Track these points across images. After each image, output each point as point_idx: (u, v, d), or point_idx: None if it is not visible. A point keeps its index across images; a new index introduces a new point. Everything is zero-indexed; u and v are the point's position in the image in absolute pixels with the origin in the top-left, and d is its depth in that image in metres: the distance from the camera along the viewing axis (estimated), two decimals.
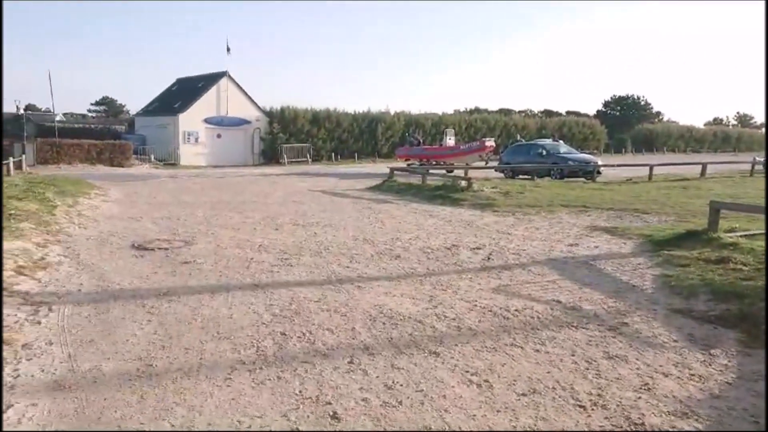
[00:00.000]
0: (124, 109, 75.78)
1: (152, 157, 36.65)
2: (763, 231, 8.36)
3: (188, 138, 37.89)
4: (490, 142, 30.83)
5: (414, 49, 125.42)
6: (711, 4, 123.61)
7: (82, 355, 4.34)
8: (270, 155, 40.81)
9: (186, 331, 4.90)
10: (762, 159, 31.25)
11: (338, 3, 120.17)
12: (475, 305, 5.73)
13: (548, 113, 74.64)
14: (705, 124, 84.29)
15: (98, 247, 8.46)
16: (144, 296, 5.95)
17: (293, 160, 40.05)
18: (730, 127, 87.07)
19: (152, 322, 5.12)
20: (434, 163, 29.95)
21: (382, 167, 29.17)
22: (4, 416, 3.38)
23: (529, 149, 26.62)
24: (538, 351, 4.57)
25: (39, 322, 5.03)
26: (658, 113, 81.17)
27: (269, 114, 42.03)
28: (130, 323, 5.10)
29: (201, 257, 7.83)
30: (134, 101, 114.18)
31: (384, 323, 5.17)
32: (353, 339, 4.78)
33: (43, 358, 4.26)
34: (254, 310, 5.50)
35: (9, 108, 35.10)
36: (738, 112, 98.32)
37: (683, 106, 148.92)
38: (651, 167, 22.59)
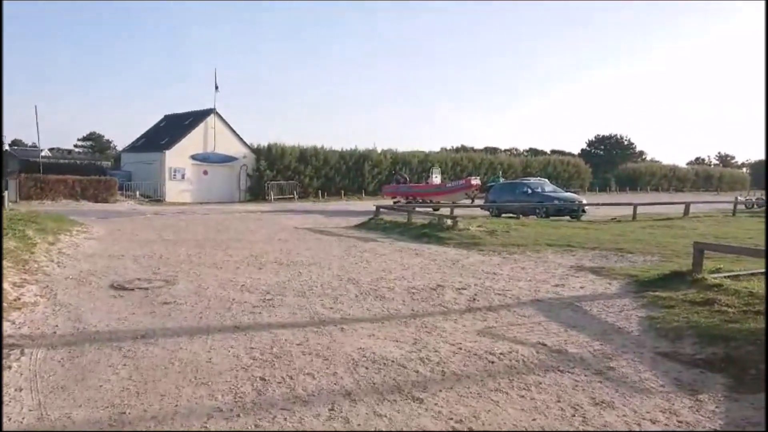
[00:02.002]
0: (111, 145, 75.80)
1: (138, 193, 36.56)
2: (748, 272, 8.41)
3: (174, 174, 37.85)
4: (475, 181, 31.13)
5: (402, 88, 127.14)
6: (691, 46, 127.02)
7: (53, 403, 4.18)
8: (257, 192, 40.84)
9: (162, 376, 4.75)
10: (743, 199, 31.76)
11: (326, 42, 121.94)
12: (460, 348, 5.63)
13: (534, 152, 75.63)
14: (687, 164, 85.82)
15: (76, 287, 8.28)
16: (120, 339, 5.78)
17: (280, 197, 40.10)
18: (712, 166, 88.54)
19: (127, 367, 4.97)
20: (420, 201, 30.06)
21: (368, 205, 29.19)
22: None
23: (514, 188, 26.84)
24: (523, 396, 4.47)
25: (10, 367, 4.86)
26: (642, 153, 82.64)
27: (256, 151, 42.22)
28: (104, 368, 4.94)
29: (181, 297, 7.68)
30: (122, 137, 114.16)
31: (367, 367, 5.05)
32: (335, 384, 4.65)
33: (11, 406, 4.09)
34: (234, 354, 5.36)
35: None
36: (719, 152, 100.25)
37: (666, 146, 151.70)
38: (635, 206, 22.80)
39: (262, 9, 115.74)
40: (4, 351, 5.24)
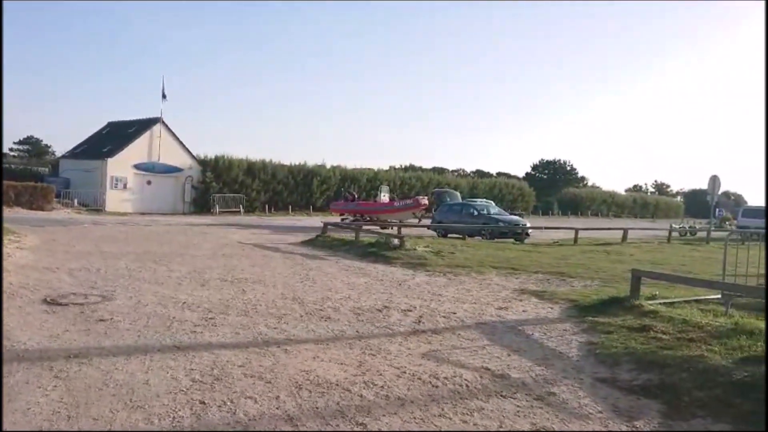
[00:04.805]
0: (50, 150, 72.83)
1: (76, 201, 35.31)
2: (682, 299, 8.75)
3: (116, 183, 36.76)
4: (424, 200, 31.37)
5: (352, 104, 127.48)
6: (629, 79, 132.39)
7: None
8: (202, 204, 40.07)
9: (96, 399, 4.55)
10: (678, 226, 33.11)
11: (275, 55, 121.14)
12: (404, 372, 5.62)
13: (480, 174, 76.92)
14: (626, 190, 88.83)
15: (6, 301, 7.86)
16: (52, 358, 5.52)
17: (225, 210, 39.46)
18: (649, 194, 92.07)
19: (59, 388, 4.74)
20: (368, 218, 30.08)
21: (316, 221, 29.05)
22: None
23: (461, 209, 27.19)
24: (465, 422, 4.49)
25: None
26: (583, 178, 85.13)
27: (203, 162, 41.49)
28: (33, 389, 4.70)
29: (119, 314, 7.42)
30: (61, 143, 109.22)
31: (311, 391, 4.98)
32: (277, 409, 4.56)
33: None
34: (173, 376, 5.19)
35: None
36: (656, 180, 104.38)
37: (606, 173, 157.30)
38: (576, 231, 23.43)
39: (213, 18, 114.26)
40: None
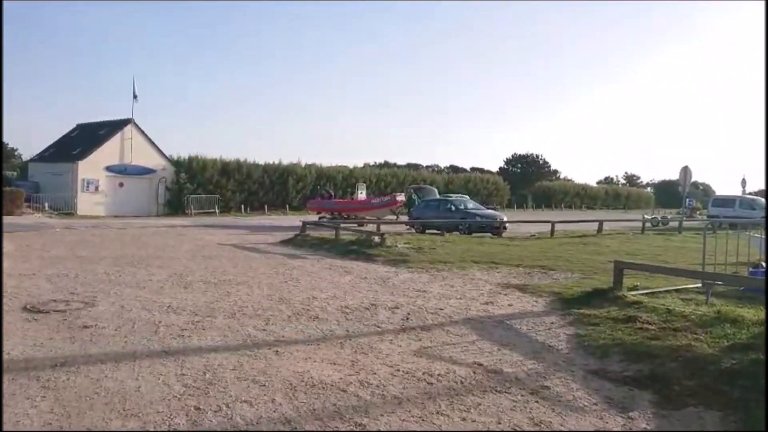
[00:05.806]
0: (16, 153, 71.12)
1: (46, 205, 34.57)
2: (663, 289, 8.91)
3: (87, 186, 36.12)
4: (400, 197, 31.46)
5: (325, 101, 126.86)
6: (600, 76, 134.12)
7: None
8: (176, 206, 39.58)
9: (87, 408, 4.46)
10: (650, 217, 33.65)
11: (245, 54, 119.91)
12: (398, 370, 5.62)
13: (454, 169, 77.30)
14: (598, 183, 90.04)
15: None
16: (38, 367, 5.40)
17: (201, 211, 39.04)
18: (620, 185, 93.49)
19: (48, 399, 4.63)
20: (345, 216, 30.05)
21: (293, 220, 28.91)
22: None
23: (438, 205, 27.29)
24: (464, 419, 4.50)
25: None
26: (556, 171, 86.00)
27: (176, 163, 40.99)
28: (21, 400, 4.58)
29: (103, 320, 7.28)
30: (29, 146, 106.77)
31: (306, 393, 4.94)
32: (274, 412, 4.52)
33: None
34: (164, 381, 5.11)
35: None
36: (626, 172, 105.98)
37: (577, 165, 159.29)
38: (553, 224, 23.65)
39: (183, 17, 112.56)
40: None
